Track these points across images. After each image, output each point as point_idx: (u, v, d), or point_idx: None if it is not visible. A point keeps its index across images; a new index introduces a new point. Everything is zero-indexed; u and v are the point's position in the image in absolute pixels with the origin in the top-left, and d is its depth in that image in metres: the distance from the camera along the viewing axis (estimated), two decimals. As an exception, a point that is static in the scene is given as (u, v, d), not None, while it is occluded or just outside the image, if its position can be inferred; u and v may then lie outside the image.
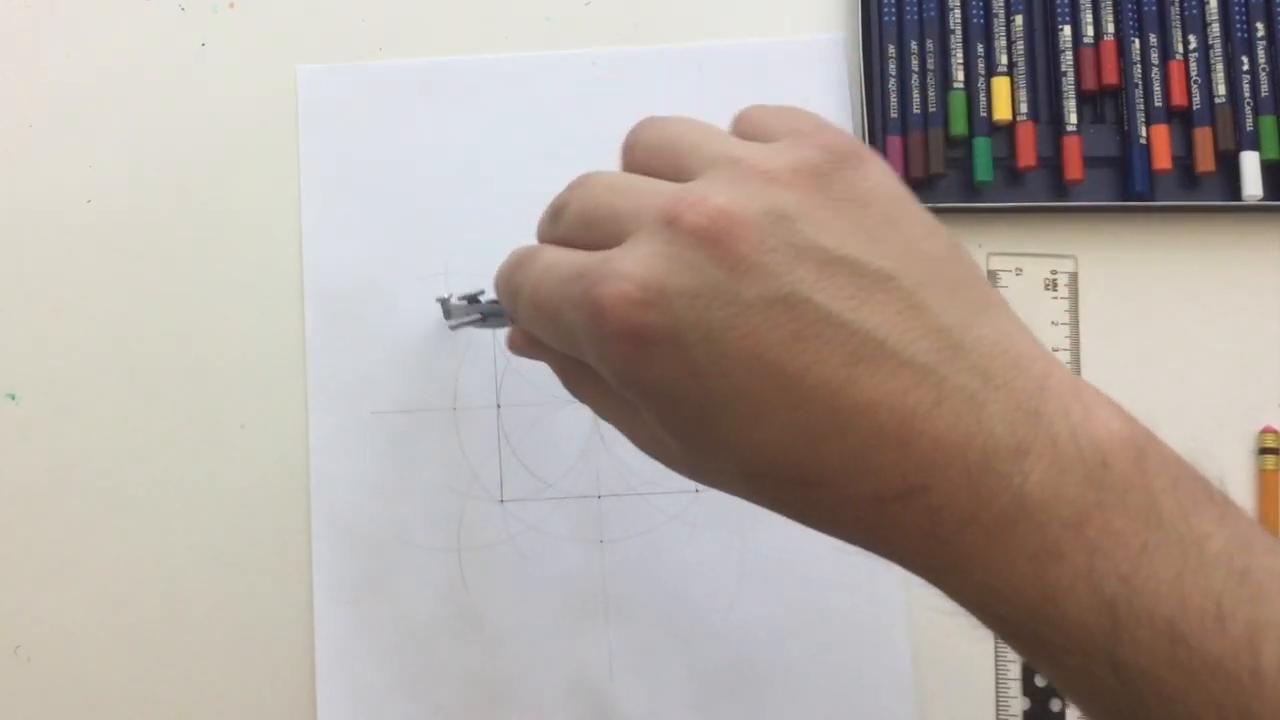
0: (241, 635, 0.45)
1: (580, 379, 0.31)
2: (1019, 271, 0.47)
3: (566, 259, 0.28)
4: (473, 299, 0.42)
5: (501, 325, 0.42)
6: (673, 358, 0.25)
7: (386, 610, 0.44)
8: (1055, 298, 0.47)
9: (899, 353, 0.24)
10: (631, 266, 0.26)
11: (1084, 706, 0.24)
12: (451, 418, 0.46)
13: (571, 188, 0.30)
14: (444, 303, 0.44)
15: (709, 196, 0.26)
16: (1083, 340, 0.46)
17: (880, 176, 0.27)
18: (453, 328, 0.45)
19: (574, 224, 0.29)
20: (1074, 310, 0.47)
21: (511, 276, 0.31)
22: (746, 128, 0.29)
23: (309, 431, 0.46)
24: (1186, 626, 0.22)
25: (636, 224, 0.27)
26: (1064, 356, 0.46)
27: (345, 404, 0.46)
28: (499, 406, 0.46)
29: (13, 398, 0.46)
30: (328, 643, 0.44)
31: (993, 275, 0.47)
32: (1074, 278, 0.47)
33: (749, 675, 0.44)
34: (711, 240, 0.25)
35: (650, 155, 0.29)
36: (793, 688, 0.44)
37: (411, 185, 0.47)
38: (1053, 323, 0.47)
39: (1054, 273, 0.47)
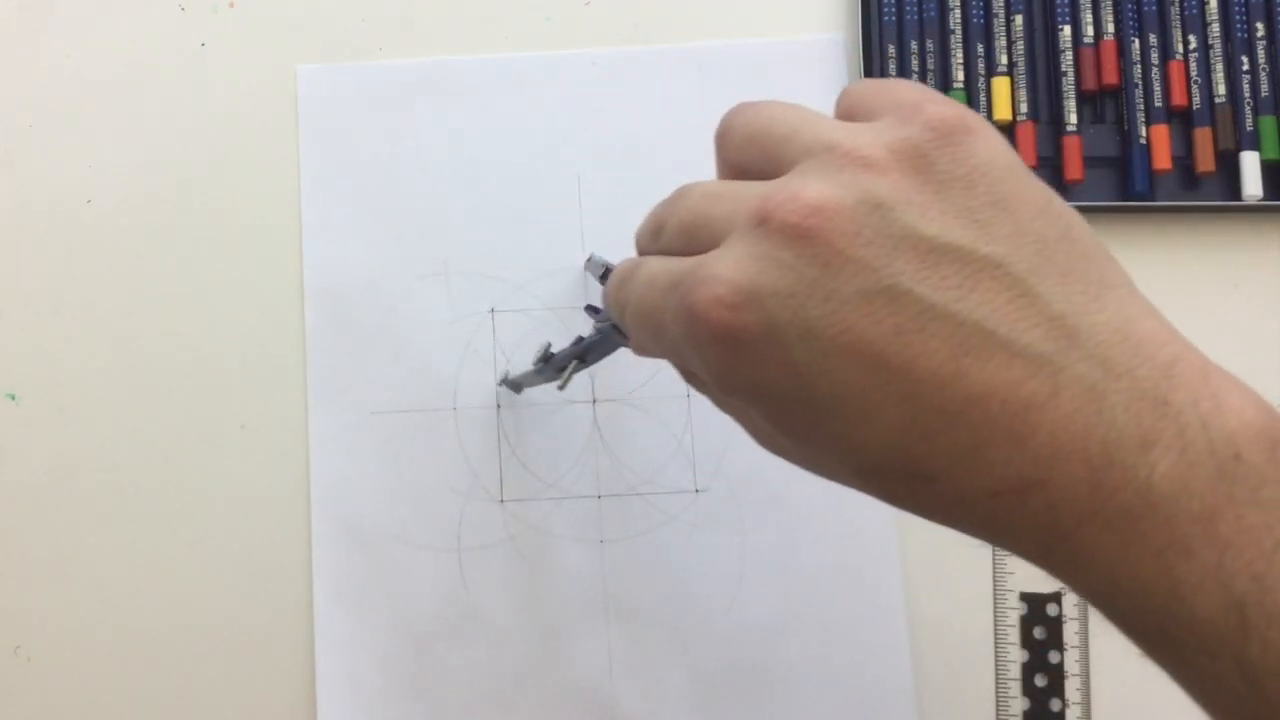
0: (241, 635, 0.45)
1: (697, 380, 0.31)
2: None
3: (665, 269, 0.28)
4: (545, 356, 0.41)
5: (600, 357, 0.39)
6: (771, 358, 0.25)
7: (386, 610, 0.44)
8: None
9: (1011, 343, 0.23)
10: (723, 270, 0.25)
11: (1208, 708, 0.23)
12: (451, 418, 0.46)
13: (670, 200, 0.29)
14: (513, 380, 0.44)
15: (799, 192, 0.25)
16: None
17: (988, 152, 0.25)
18: (561, 389, 0.40)
19: (674, 236, 0.29)
20: None
21: (618, 293, 0.30)
22: (847, 106, 0.28)
23: (309, 431, 0.46)
24: None
25: (730, 227, 0.26)
26: None
27: (345, 404, 0.46)
28: (499, 406, 0.46)
29: (13, 398, 0.46)
30: (328, 643, 0.44)
31: None
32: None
33: (749, 675, 0.44)
34: (804, 237, 0.24)
35: (743, 147, 0.28)
36: (793, 688, 0.44)
37: (411, 185, 0.47)
38: None
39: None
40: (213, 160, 0.48)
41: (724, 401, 0.29)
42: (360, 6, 0.49)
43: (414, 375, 0.46)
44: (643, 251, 0.31)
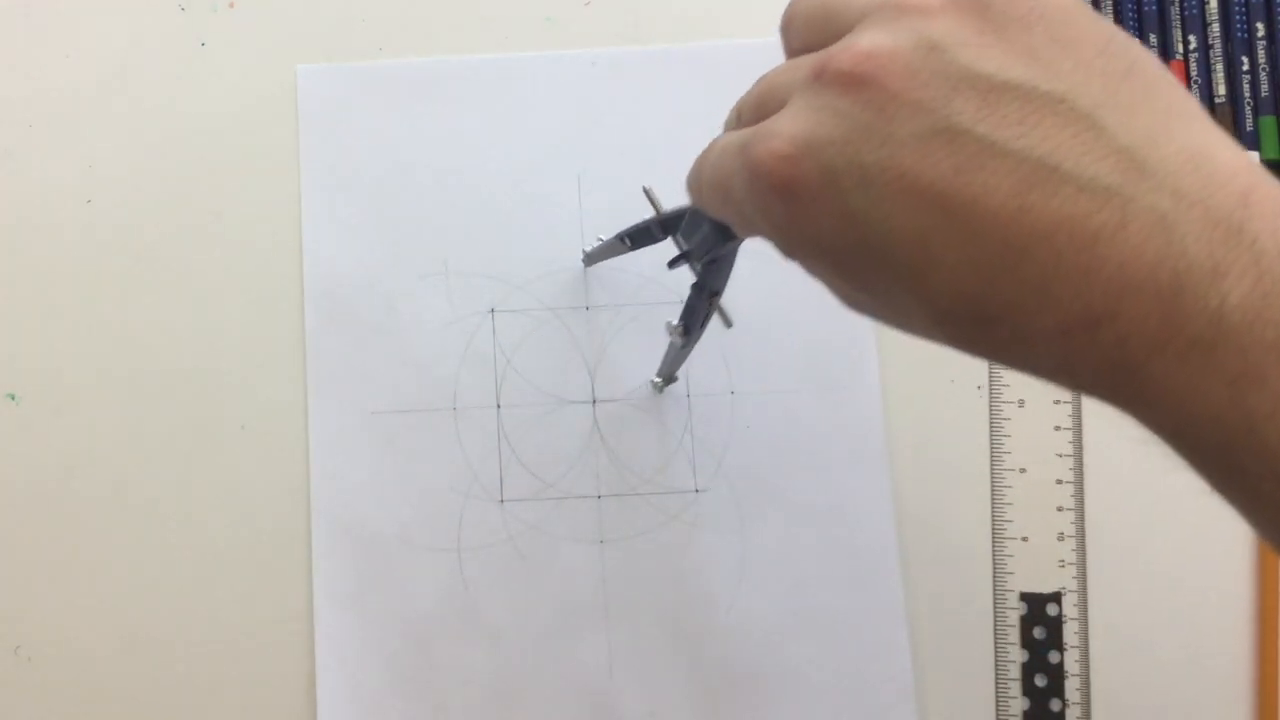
0: (242, 635, 0.45)
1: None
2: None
3: (736, 137, 0.28)
4: (621, 238, 0.42)
5: (645, 243, 0.41)
6: (830, 208, 0.25)
7: (386, 610, 0.44)
8: None
9: (1076, 177, 0.22)
10: (782, 125, 0.25)
11: (1276, 537, 0.23)
12: (451, 418, 0.46)
13: (750, 88, 0.30)
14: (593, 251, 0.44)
15: (855, 43, 0.25)
16: None
17: None
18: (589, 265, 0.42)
19: (748, 111, 0.29)
20: None
21: (696, 170, 0.31)
22: None
23: (309, 431, 0.46)
24: None
25: (791, 90, 0.26)
26: None
27: (345, 404, 0.46)
28: (499, 406, 0.46)
29: (13, 398, 0.46)
30: (328, 643, 0.44)
31: None
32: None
33: (749, 675, 0.44)
34: (858, 84, 0.24)
35: (805, 30, 0.28)
36: (793, 688, 0.44)
37: (411, 185, 0.47)
38: None
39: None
40: (212, 160, 0.48)
41: (801, 263, 0.29)
42: (360, 6, 0.49)
43: (414, 375, 0.46)
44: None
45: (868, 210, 0.24)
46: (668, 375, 0.45)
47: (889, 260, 0.24)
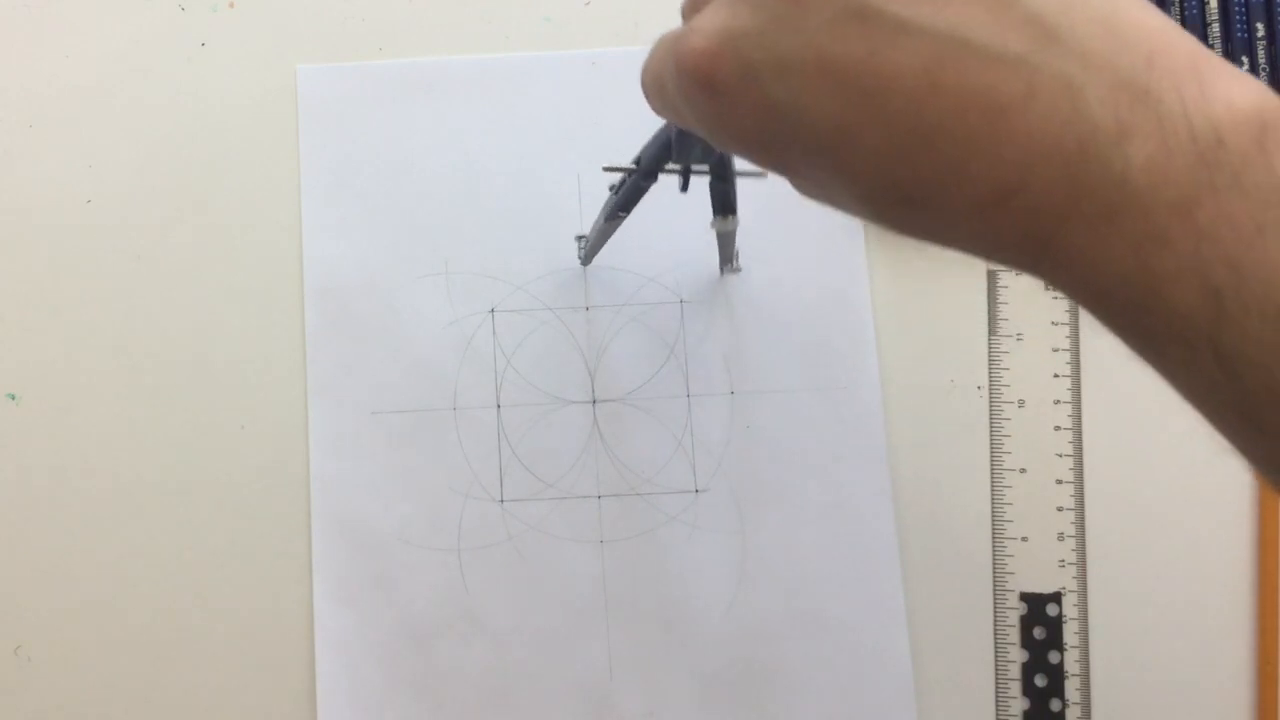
0: (241, 635, 0.45)
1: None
2: (1018, 272, 0.46)
3: (669, 34, 0.28)
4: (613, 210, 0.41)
5: (637, 200, 0.40)
6: (751, 100, 0.25)
7: (386, 610, 0.44)
8: (1055, 297, 0.46)
9: (985, 48, 0.22)
10: (703, 20, 0.26)
11: (1190, 399, 0.23)
12: (451, 418, 0.46)
13: None
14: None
15: None
16: (1082, 343, 0.46)
17: None
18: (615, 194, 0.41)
19: (685, 7, 0.29)
20: (1074, 310, 0.46)
21: (643, 67, 0.30)
22: None
23: (309, 431, 0.45)
24: None
25: None
26: (1064, 358, 0.46)
27: (345, 404, 0.46)
28: (499, 406, 0.46)
29: (13, 398, 0.46)
30: (327, 643, 0.44)
31: (992, 275, 0.47)
32: (1074, 277, 0.46)
33: (749, 675, 0.44)
34: None
35: None
36: (793, 688, 0.44)
37: (411, 185, 0.47)
38: (1053, 323, 0.46)
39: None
40: (212, 161, 0.48)
41: (735, 153, 0.29)
42: (360, 6, 0.49)
43: (414, 375, 0.46)
44: None
45: (787, 99, 0.24)
46: (726, 259, 0.45)
47: (811, 147, 0.24)
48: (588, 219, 0.47)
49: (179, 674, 0.45)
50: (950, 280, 0.47)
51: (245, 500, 0.45)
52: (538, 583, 0.45)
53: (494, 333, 0.46)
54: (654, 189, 0.39)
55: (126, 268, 0.47)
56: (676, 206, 0.37)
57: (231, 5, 0.49)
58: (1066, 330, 0.46)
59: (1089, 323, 0.46)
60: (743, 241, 0.45)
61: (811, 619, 0.44)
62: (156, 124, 0.48)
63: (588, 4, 0.49)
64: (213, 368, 0.46)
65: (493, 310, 0.46)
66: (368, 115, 0.48)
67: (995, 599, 0.45)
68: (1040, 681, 0.45)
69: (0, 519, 0.45)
